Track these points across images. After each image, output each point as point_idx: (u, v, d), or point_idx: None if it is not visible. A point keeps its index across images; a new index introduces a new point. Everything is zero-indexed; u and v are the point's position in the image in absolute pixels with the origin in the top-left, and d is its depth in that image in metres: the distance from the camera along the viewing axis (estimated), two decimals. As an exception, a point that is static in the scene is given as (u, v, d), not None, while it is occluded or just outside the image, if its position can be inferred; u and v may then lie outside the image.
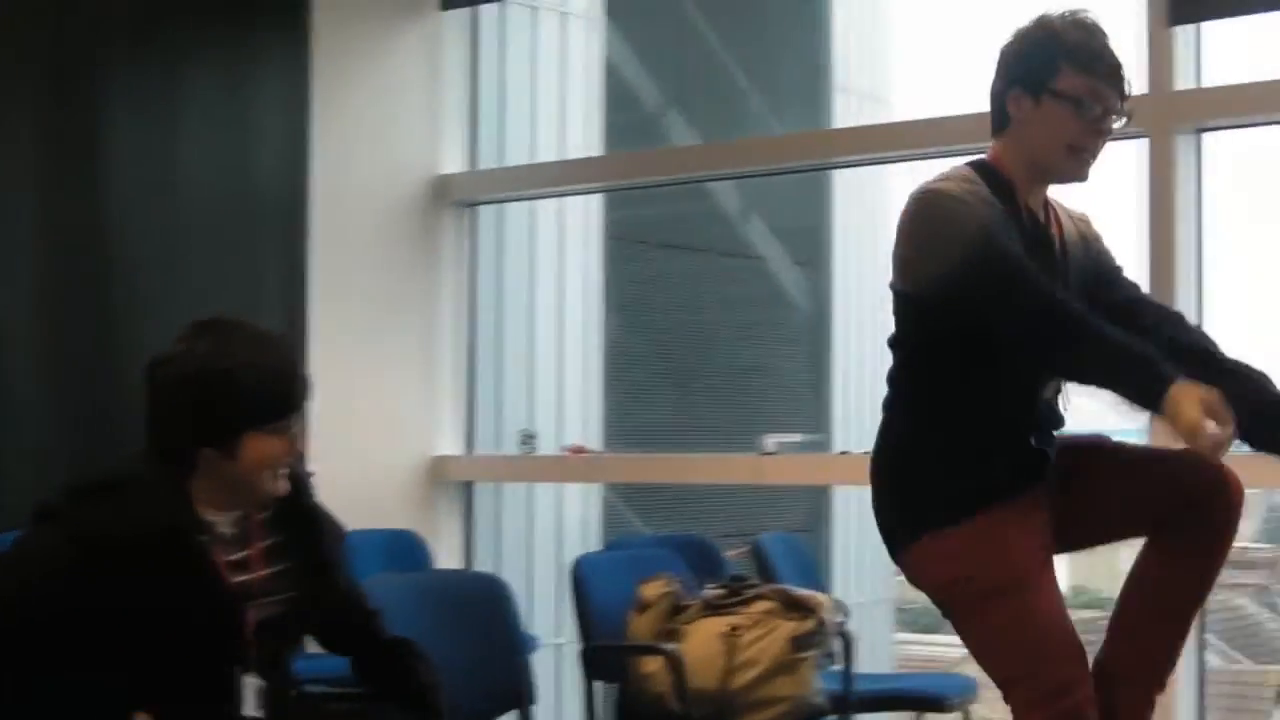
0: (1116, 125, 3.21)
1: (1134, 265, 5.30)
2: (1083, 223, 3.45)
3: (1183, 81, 5.33)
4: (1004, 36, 3.25)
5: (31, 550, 3.05)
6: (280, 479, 3.18)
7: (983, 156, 3.28)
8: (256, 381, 3.11)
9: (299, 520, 3.31)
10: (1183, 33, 5.32)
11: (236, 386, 3.08)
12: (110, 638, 3.02)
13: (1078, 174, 3.26)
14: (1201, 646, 5.35)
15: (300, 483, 3.33)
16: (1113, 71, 3.20)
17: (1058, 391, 3.31)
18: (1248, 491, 3.18)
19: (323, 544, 3.36)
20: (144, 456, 3.16)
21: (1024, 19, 3.22)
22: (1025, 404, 3.26)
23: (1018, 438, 3.25)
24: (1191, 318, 5.24)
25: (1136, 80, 5.30)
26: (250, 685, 3.15)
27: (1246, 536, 18.20)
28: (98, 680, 3.05)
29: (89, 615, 2.99)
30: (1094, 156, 3.24)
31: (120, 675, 3.05)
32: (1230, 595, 15.89)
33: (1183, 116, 5.32)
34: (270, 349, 3.20)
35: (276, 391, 3.14)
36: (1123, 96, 3.20)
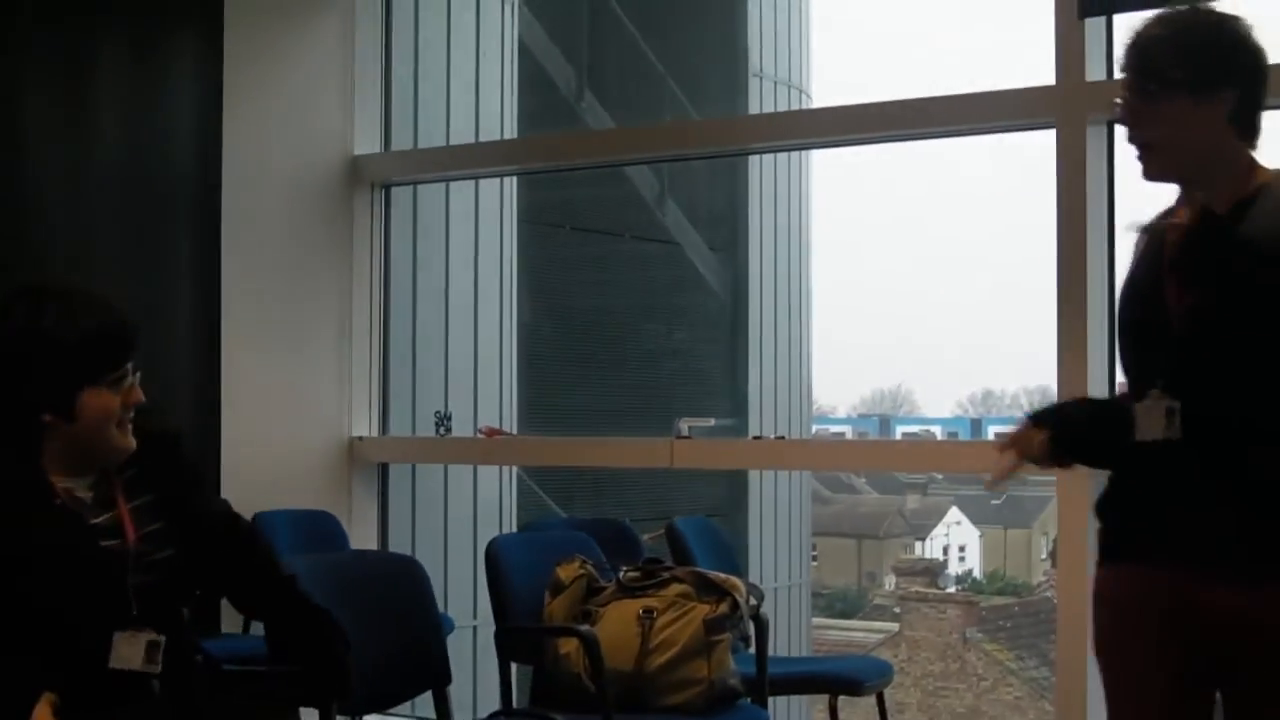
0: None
1: (1046, 255, 5.45)
2: None
3: (1093, 73, 5.42)
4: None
5: None
6: (126, 432, 3.19)
7: None
8: (80, 337, 3.12)
9: (163, 476, 3.31)
10: (1092, 25, 5.40)
11: (60, 345, 3.10)
12: None
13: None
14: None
15: (164, 439, 3.34)
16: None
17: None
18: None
19: (190, 494, 3.36)
20: None
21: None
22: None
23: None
24: (1103, 308, 5.41)
25: (1047, 71, 5.45)
26: (142, 641, 3.15)
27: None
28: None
29: None
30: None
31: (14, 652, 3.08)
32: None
33: (1094, 107, 5.41)
34: (89, 304, 3.20)
35: (102, 344, 3.14)
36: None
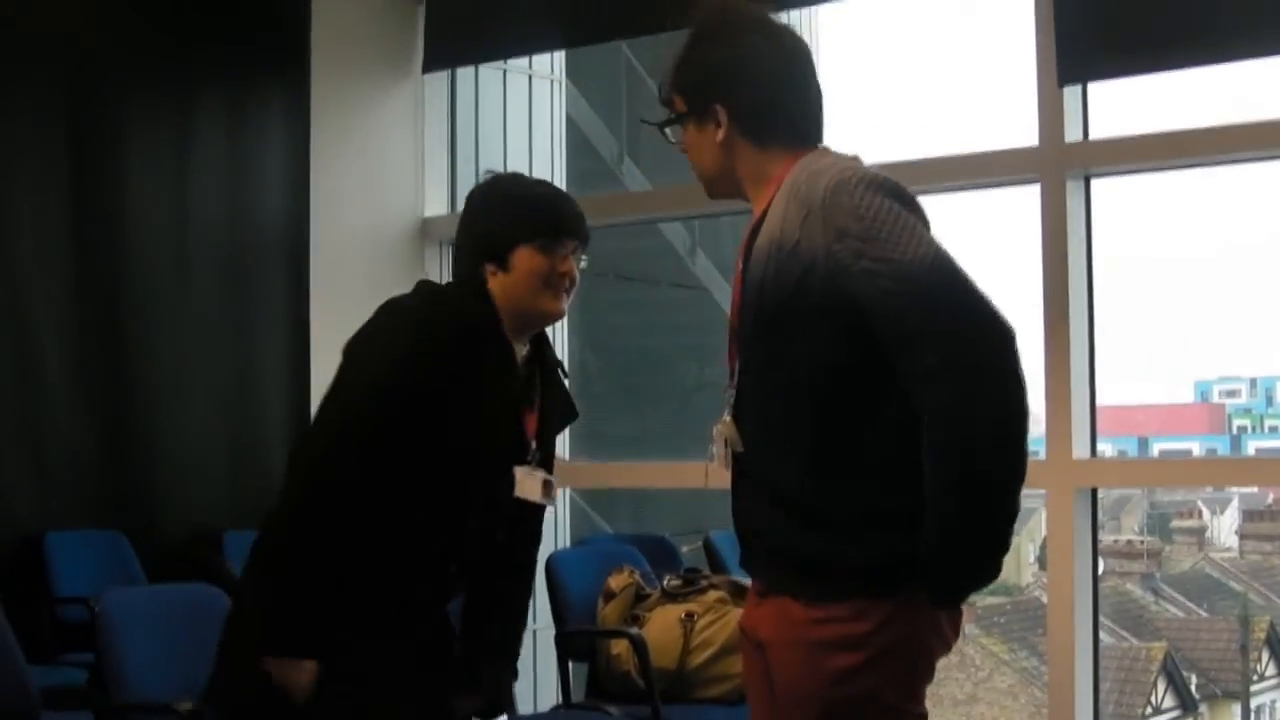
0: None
1: (1032, 295, 5.41)
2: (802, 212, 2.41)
3: (1072, 134, 5.39)
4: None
5: (382, 339, 3.00)
6: (557, 297, 3.10)
7: None
8: (528, 202, 3.12)
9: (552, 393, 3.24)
10: (1070, 92, 5.38)
11: (511, 204, 3.10)
12: (433, 428, 2.95)
13: None
14: (1096, 627, 5.40)
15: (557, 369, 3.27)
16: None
17: None
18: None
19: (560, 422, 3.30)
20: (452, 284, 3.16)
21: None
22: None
23: None
24: (1084, 340, 5.37)
25: (1031, 133, 5.43)
26: (539, 478, 3.11)
27: (1132, 530, 18.32)
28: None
29: (424, 399, 2.93)
30: None
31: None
32: (1119, 582, 15.98)
33: (1072, 164, 5.39)
34: (549, 185, 3.24)
35: (545, 212, 3.12)
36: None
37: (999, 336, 2.29)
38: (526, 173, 8.83)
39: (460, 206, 7.68)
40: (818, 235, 2.35)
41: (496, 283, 3.06)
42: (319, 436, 2.96)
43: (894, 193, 2.38)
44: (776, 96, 2.53)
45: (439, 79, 7.31)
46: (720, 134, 2.53)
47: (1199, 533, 17.99)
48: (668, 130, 2.63)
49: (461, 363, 2.96)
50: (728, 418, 2.56)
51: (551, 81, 9.09)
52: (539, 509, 3.22)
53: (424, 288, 3.13)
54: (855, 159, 2.50)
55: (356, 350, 2.99)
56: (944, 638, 2.46)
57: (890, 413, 2.35)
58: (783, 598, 2.44)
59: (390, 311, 3.03)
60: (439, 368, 2.93)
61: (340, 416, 2.92)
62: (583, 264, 3.16)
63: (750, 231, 2.54)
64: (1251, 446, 19.34)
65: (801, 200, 2.39)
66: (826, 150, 2.54)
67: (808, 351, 2.38)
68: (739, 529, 2.59)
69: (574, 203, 3.19)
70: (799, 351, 2.39)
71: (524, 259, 3.05)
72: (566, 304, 3.11)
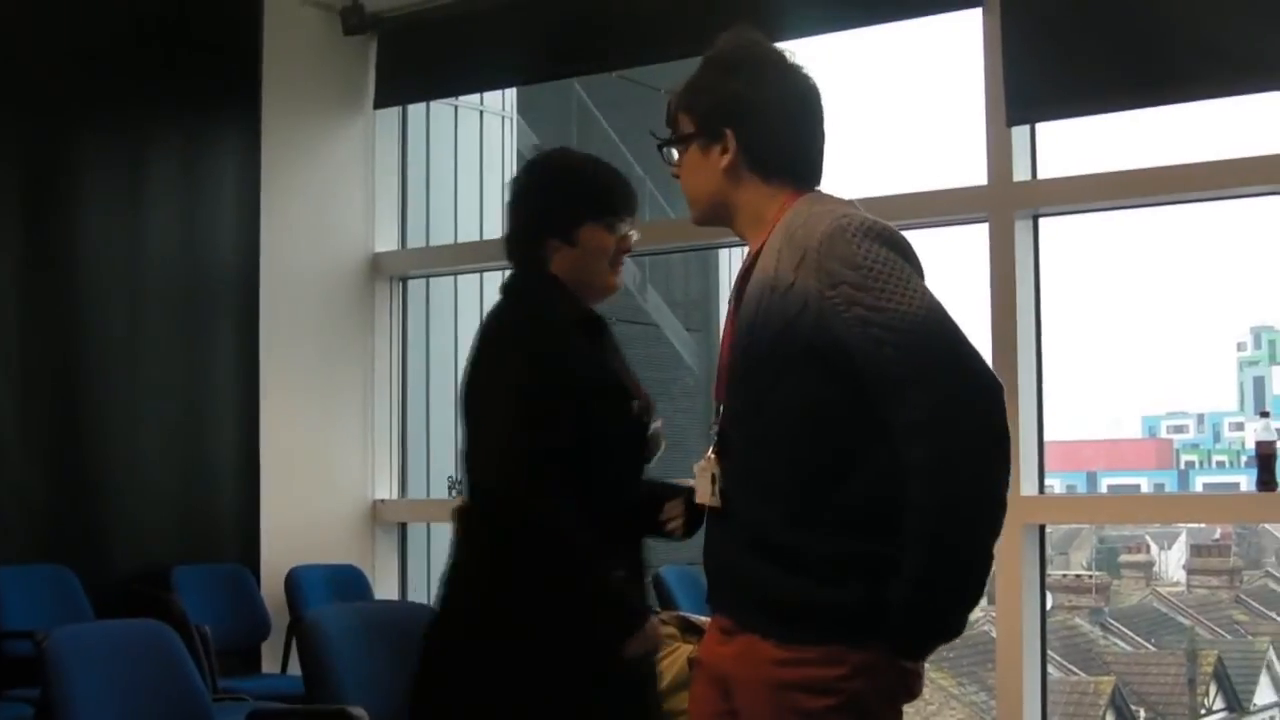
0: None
1: (980, 332, 5.45)
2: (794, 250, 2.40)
3: (1020, 173, 5.44)
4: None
5: (503, 374, 3.04)
6: (617, 272, 3.18)
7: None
8: (594, 179, 3.18)
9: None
10: (1019, 132, 5.43)
11: (577, 181, 3.16)
12: (589, 411, 3.00)
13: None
14: (1044, 661, 5.43)
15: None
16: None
17: None
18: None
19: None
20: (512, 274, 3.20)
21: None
22: None
23: None
24: (1031, 373, 5.41)
25: (980, 172, 5.48)
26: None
27: (1080, 564, 18.41)
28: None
29: (567, 393, 2.96)
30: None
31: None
32: (1068, 616, 16.05)
33: (1021, 203, 5.43)
34: (610, 165, 3.28)
35: (610, 190, 3.17)
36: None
37: (984, 393, 2.32)
38: (477, 210, 8.83)
39: (410, 243, 7.66)
40: (811, 279, 2.34)
41: (562, 257, 3.11)
42: (517, 493, 2.95)
43: (890, 242, 2.38)
44: (788, 132, 2.53)
45: (390, 115, 7.32)
46: (725, 160, 2.51)
47: (1147, 567, 18.11)
48: (663, 151, 2.63)
49: (580, 348, 3.06)
50: (711, 455, 2.55)
51: (503, 118, 9.11)
52: None
53: (514, 292, 3.18)
54: (851, 204, 2.50)
55: (490, 389, 3.06)
56: (909, 687, 2.46)
57: (874, 458, 2.34)
58: (751, 636, 2.41)
59: (499, 341, 3.10)
60: (566, 358, 3.00)
61: (519, 458, 2.94)
62: (635, 237, 3.20)
63: (743, 271, 2.52)
64: (1199, 482, 19.51)
65: (797, 243, 2.39)
66: (823, 194, 2.53)
67: (794, 394, 2.38)
68: (708, 565, 2.56)
69: (628, 179, 3.26)
70: (785, 393, 2.39)
71: (591, 235, 3.12)
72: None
